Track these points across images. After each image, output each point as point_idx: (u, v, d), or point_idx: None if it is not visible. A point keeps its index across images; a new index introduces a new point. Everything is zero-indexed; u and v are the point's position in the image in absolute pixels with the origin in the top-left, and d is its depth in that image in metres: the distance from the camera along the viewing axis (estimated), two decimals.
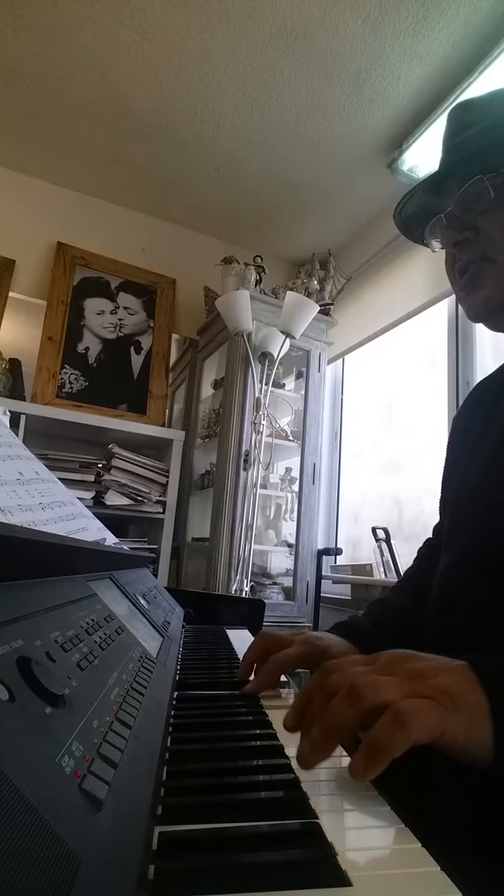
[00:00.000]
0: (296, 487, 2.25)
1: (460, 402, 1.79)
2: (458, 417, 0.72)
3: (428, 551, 0.75)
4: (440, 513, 0.73)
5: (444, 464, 0.72)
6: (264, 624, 1.04)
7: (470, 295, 0.58)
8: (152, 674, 0.43)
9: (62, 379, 2.28)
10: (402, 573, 0.79)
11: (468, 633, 0.50)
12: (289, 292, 2.12)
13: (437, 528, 0.75)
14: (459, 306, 1.94)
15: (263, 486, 2.15)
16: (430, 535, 0.77)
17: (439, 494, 0.72)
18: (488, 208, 0.54)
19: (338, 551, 2.25)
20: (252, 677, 0.53)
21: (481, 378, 0.73)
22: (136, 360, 2.48)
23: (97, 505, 1.98)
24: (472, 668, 0.34)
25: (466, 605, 0.52)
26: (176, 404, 2.64)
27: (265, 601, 1.09)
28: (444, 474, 0.72)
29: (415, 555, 0.77)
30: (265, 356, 2.15)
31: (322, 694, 0.34)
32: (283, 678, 0.55)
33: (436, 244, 0.62)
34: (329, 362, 2.48)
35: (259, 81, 1.81)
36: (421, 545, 0.77)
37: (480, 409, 0.66)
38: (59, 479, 0.77)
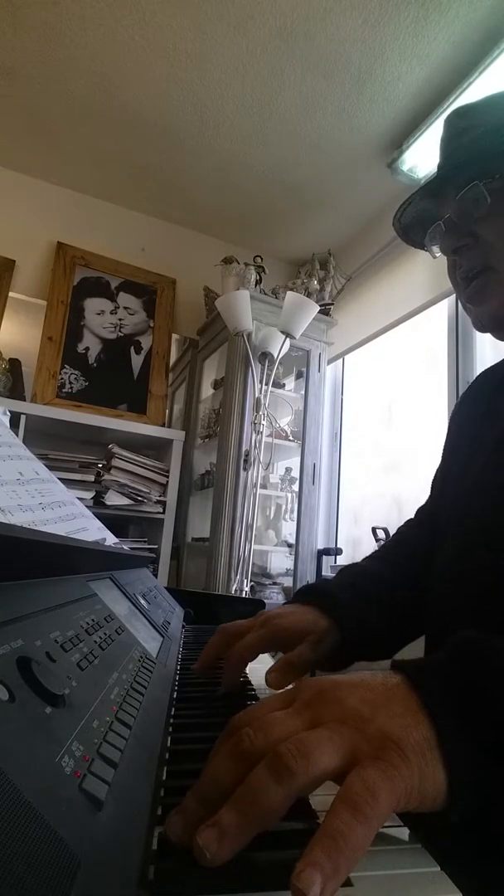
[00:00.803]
0: (296, 487, 2.25)
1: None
2: (459, 406, 0.72)
3: (409, 529, 0.74)
4: (431, 496, 0.73)
5: (443, 450, 0.71)
6: None
7: (476, 307, 0.59)
8: (152, 674, 0.43)
9: (62, 379, 2.28)
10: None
11: (473, 616, 0.50)
12: (289, 292, 2.12)
13: (422, 510, 0.75)
14: (460, 308, 1.95)
15: (263, 486, 2.15)
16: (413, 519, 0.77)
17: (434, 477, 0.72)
18: (486, 214, 0.54)
19: (338, 551, 2.25)
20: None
21: None
22: (136, 360, 2.48)
23: (97, 505, 1.98)
24: (411, 683, 0.29)
25: (472, 589, 0.52)
26: (176, 404, 2.64)
27: (265, 601, 1.09)
28: (441, 461, 0.71)
29: None
30: (265, 356, 2.15)
31: (234, 763, 0.26)
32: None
33: (436, 250, 0.62)
34: (329, 362, 2.48)
35: (259, 81, 1.81)
36: (401, 525, 0.77)
37: (483, 396, 0.66)
38: (59, 479, 0.77)
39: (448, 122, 0.61)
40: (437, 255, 0.63)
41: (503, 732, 0.27)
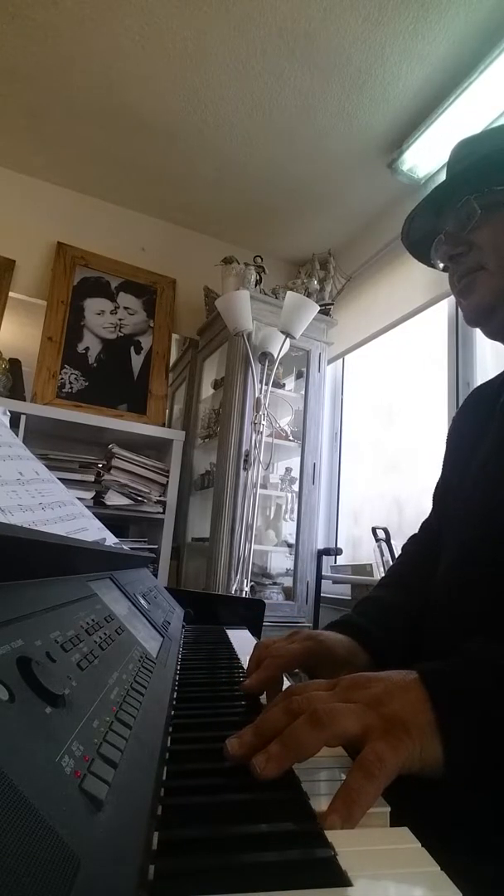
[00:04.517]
0: (296, 487, 2.25)
1: (460, 403, 1.79)
2: (456, 420, 0.75)
3: (413, 547, 0.76)
4: (434, 510, 0.75)
5: (443, 464, 0.74)
6: (264, 624, 1.04)
7: (464, 300, 0.64)
8: (152, 674, 0.43)
9: (62, 379, 2.28)
10: None
11: (472, 630, 0.51)
12: (289, 292, 2.12)
13: (425, 525, 0.76)
14: (461, 308, 1.95)
15: (263, 486, 2.15)
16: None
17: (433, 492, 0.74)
18: (478, 224, 0.60)
19: (338, 551, 2.25)
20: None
21: (481, 378, 0.75)
22: (136, 360, 2.48)
23: (97, 505, 1.98)
24: (423, 681, 0.36)
25: (470, 603, 0.53)
26: (176, 404, 2.64)
27: (265, 601, 1.09)
28: (441, 474, 0.74)
29: None
30: (265, 356, 2.15)
31: (284, 715, 0.35)
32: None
33: (440, 263, 0.69)
34: (329, 362, 2.48)
35: (259, 81, 1.81)
36: (405, 542, 0.78)
37: (478, 412, 0.70)
38: (59, 479, 0.77)
39: (452, 151, 0.69)
40: (441, 267, 0.69)
41: (489, 716, 0.35)
